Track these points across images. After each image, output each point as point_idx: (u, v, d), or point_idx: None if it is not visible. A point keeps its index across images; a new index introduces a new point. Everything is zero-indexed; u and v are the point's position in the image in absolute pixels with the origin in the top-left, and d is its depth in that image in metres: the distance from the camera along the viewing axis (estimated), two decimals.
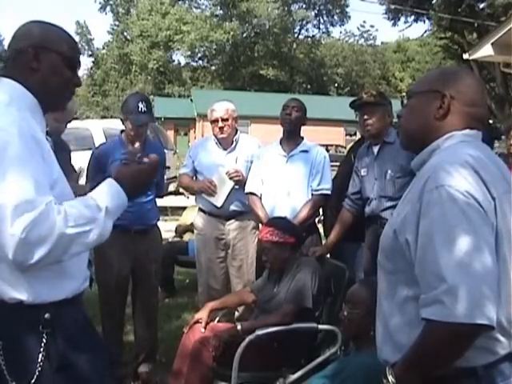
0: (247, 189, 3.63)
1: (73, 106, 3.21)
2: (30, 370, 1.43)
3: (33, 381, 1.43)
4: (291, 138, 3.60)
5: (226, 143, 3.78)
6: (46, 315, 1.45)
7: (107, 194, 1.52)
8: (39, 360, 1.44)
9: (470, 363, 1.28)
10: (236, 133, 3.82)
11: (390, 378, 1.36)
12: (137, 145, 3.24)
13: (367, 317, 2.16)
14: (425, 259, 1.28)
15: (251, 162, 3.72)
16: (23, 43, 1.52)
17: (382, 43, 52.21)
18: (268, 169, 3.59)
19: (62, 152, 2.64)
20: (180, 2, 44.67)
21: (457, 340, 1.23)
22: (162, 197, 3.69)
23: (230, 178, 3.64)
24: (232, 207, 3.72)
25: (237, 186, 3.66)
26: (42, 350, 1.44)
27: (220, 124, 3.70)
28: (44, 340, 1.45)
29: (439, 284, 1.22)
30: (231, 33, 40.67)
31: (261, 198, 3.58)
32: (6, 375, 1.42)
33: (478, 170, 1.29)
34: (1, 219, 1.32)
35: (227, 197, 3.67)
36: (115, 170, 1.65)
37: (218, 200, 3.67)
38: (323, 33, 48.90)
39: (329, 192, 3.52)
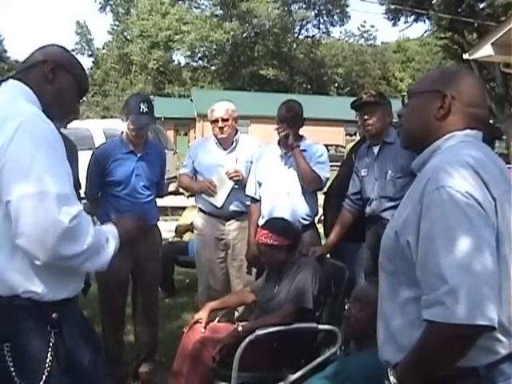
0: (247, 191, 3.64)
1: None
2: (39, 370, 1.43)
3: (41, 382, 1.43)
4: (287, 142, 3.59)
5: (226, 143, 3.77)
6: (54, 315, 1.46)
7: (111, 233, 1.66)
8: (47, 360, 1.44)
9: (472, 363, 1.28)
10: (236, 133, 3.82)
11: (392, 378, 1.36)
12: None
13: (376, 317, 2.14)
14: (426, 260, 1.27)
15: (251, 163, 3.72)
16: (46, 57, 1.61)
17: (382, 43, 52.26)
18: (267, 170, 3.58)
19: (67, 150, 2.63)
20: (180, 2, 44.67)
21: (458, 341, 1.23)
22: (162, 197, 3.69)
23: (230, 178, 3.64)
24: (232, 207, 3.72)
25: (236, 186, 3.66)
26: (50, 350, 1.45)
27: (220, 124, 3.69)
28: (52, 340, 1.45)
29: (440, 285, 1.22)
30: (231, 33, 40.66)
31: (260, 200, 3.59)
32: (15, 377, 1.42)
33: (478, 170, 1.29)
34: (43, 206, 1.36)
35: (227, 197, 3.67)
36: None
37: (218, 200, 3.67)
38: (323, 33, 49.00)
39: (324, 182, 3.49)
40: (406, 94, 1.61)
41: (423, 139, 1.47)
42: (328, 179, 3.54)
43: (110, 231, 1.65)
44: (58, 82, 1.61)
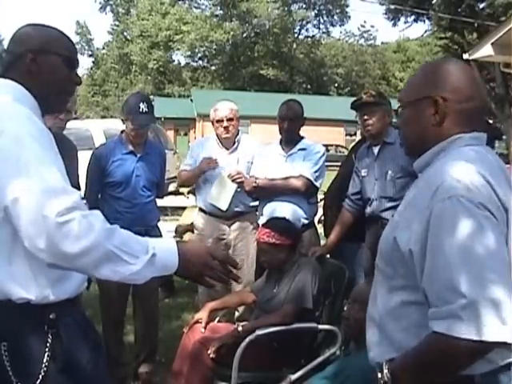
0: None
1: (73, 105, 3.20)
2: (35, 370, 1.43)
3: (38, 381, 1.42)
4: (290, 139, 3.61)
5: (228, 143, 3.77)
6: (51, 315, 1.45)
7: (162, 247, 1.41)
8: (44, 361, 1.43)
9: (468, 371, 1.24)
10: (238, 133, 3.81)
11: (386, 372, 1.33)
12: None
13: None
14: (436, 272, 1.22)
15: (252, 163, 3.72)
16: (21, 48, 1.52)
17: (382, 43, 52.28)
18: (268, 169, 3.59)
19: (67, 151, 2.62)
20: (180, 2, 44.70)
21: (471, 356, 1.19)
22: (162, 197, 3.68)
23: (233, 181, 3.63)
24: (234, 208, 3.72)
25: (239, 189, 3.65)
26: (47, 350, 1.44)
27: (225, 124, 3.68)
28: (49, 340, 1.45)
29: (456, 299, 1.17)
30: (231, 33, 40.69)
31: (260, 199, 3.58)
32: (12, 376, 1.41)
33: (489, 179, 1.25)
34: (30, 207, 1.27)
35: (231, 200, 3.65)
36: (193, 244, 1.59)
37: (223, 204, 3.66)
38: (323, 33, 49.05)
39: (309, 177, 3.45)
40: (398, 101, 1.50)
41: (425, 145, 1.42)
42: (317, 173, 3.49)
43: (163, 244, 1.42)
44: (44, 70, 1.51)
